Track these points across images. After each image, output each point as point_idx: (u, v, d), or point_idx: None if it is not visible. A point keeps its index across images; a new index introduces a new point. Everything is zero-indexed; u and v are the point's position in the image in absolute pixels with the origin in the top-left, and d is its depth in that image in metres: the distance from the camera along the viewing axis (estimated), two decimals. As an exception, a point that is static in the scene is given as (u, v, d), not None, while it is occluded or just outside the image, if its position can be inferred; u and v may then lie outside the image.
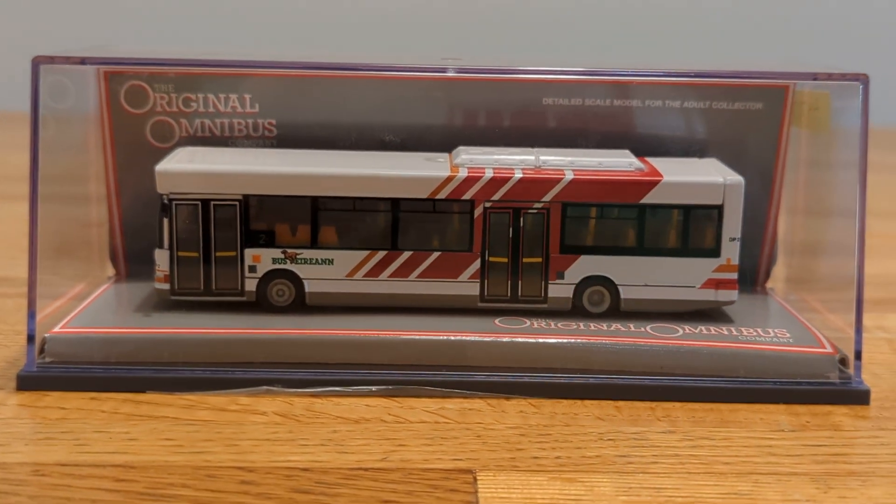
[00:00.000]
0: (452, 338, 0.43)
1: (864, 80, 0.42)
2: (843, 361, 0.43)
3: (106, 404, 0.41)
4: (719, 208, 0.46)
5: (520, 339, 0.43)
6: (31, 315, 0.43)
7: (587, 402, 0.42)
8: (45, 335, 0.43)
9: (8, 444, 0.37)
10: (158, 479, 0.35)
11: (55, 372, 0.42)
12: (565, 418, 0.40)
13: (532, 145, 0.49)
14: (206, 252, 0.46)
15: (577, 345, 0.43)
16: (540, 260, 0.46)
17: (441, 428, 0.39)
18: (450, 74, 0.45)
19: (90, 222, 0.52)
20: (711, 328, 0.45)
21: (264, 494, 0.34)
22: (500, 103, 0.50)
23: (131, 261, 0.51)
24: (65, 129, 0.47)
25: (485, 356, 0.43)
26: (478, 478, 0.35)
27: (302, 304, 0.46)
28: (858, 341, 0.43)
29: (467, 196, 0.45)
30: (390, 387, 0.42)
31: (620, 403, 0.42)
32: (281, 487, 0.35)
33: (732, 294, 0.46)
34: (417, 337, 0.43)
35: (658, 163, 0.47)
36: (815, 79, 0.45)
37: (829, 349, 0.43)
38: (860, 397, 0.42)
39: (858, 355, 0.43)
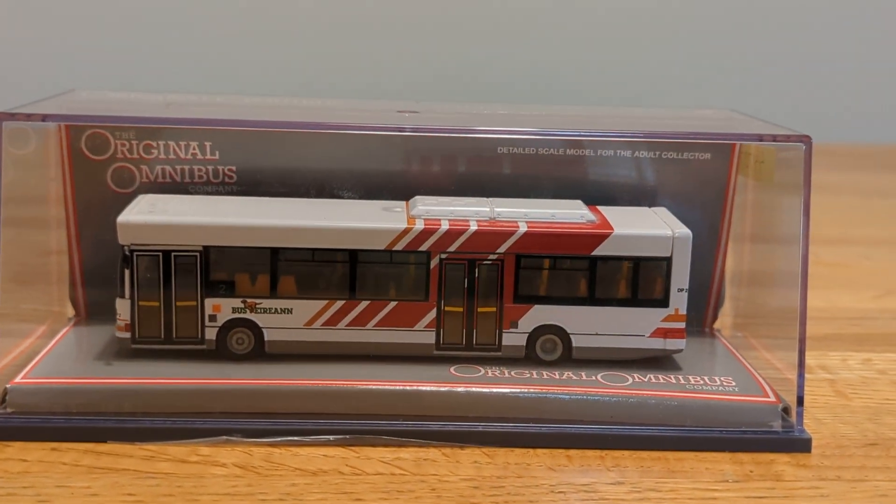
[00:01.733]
0: (408, 387, 0.44)
1: (807, 141, 0.44)
2: (786, 410, 0.44)
3: (67, 455, 0.41)
4: (668, 260, 0.47)
5: (474, 389, 0.44)
6: None
7: (539, 450, 0.43)
8: (7, 386, 0.43)
9: (-30, 502, 0.38)
10: (120, 539, 0.35)
11: (16, 423, 0.42)
12: (518, 469, 0.41)
13: (487, 192, 0.50)
14: (166, 301, 0.46)
15: (529, 394, 0.44)
16: (494, 309, 0.47)
17: (397, 480, 0.40)
18: (406, 134, 0.45)
19: (49, 250, 0.52)
20: (660, 377, 0.46)
21: (224, 554, 0.35)
22: (456, 151, 0.51)
23: (91, 301, 0.52)
24: (24, 166, 0.47)
25: (440, 405, 0.44)
26: (432, 535, 0.36)
27: (261, 353, 0.47)
28: (801, 386, 0.44)
29: (423, 248, 0.46)
30: (347, 436, 0.43)
31: (572, 452, 0.43)
32: (241, 547, 0.35)
33: (680, 343, 0.47)
34: (374, 387, 0.44)
35: (609, 213, 0.48)
36: (760, 140, 0.46)
37: (772, 398, 0.45)
38: (802, 445, 0.44)
39: (801, 401, 0.44)
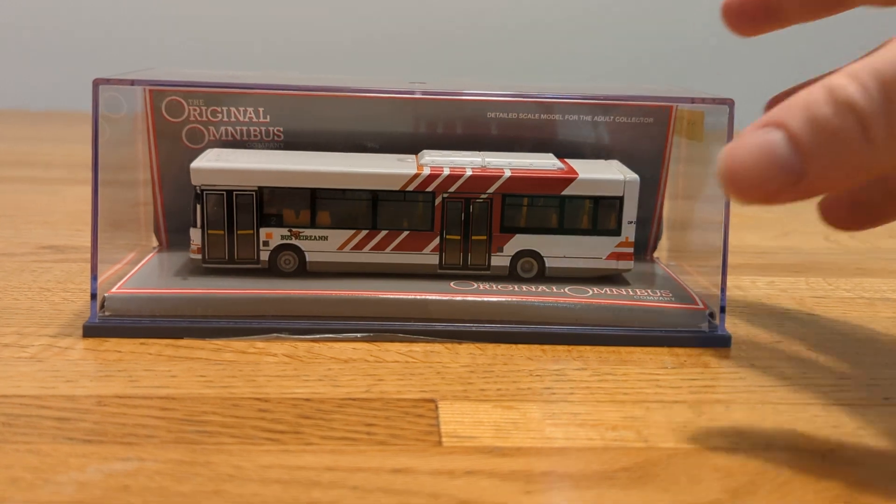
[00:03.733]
0: (418, 297, 0.43)
1: (730, 103, 0.42)
2: (712, 315, 0.43)
3: (152, 348, 0.40)
4: (620, 199, 0.45)
5: (469, 298, 0.43)
6: (94, 277, 0.41)
7: (520, 345, 0.41)
8: (105, 294, 0.42)
9: (76, 381, 0.36)
10: (194, 408, 0.34)
11: (113, 323, 0.41)
12: (504, 359, 0.40)
13: (480, 147, 0.48)
14: (229, 230, 0.44)
15: (512, 302, 0.43)
16: (485, 237, 0.45)
17: (410, 366, 0.39)
18: (416, 95, 0.44)
19: (138, 202, 0.50)
20: (613, 290, 0.45)
21: (277, 419, 0.33)
22: (454, 116, 0.49)
23: (171, 231, 0.50)
24: (118, 131, 0.46)
25: (443, 311, 0.42)
26: (438, 406, 0.35)
27: (304, 271, 0.45)
28: (723, 298, 0.43)
29: (430, 188, 0.44)
30: (371, 334, 0.41)
31: (545, 347, 0.41)
32: (289, 413, 0.34)
33: (629, 264, 0.46)
34: (392, 296, 0.42)
35: (575, 163, 0.47)
36: (692, 102, 0.45)
37: (700, 305, 0.43)
38: (724, 342, 0.42)
39: (723, 309, 0.43)
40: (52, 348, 0.39)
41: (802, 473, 0.31)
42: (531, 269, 0.46)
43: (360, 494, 0.28)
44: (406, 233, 0.45)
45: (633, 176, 0.45)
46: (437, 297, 0.43)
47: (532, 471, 0.30)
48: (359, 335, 0.41)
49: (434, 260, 0.45)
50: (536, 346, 0.42)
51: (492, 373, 0.38)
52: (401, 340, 0.41)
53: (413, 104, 0.48)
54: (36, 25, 1.26)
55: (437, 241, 0.45)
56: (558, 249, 0.46)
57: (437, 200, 0.45)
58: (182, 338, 0.41)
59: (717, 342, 0.42)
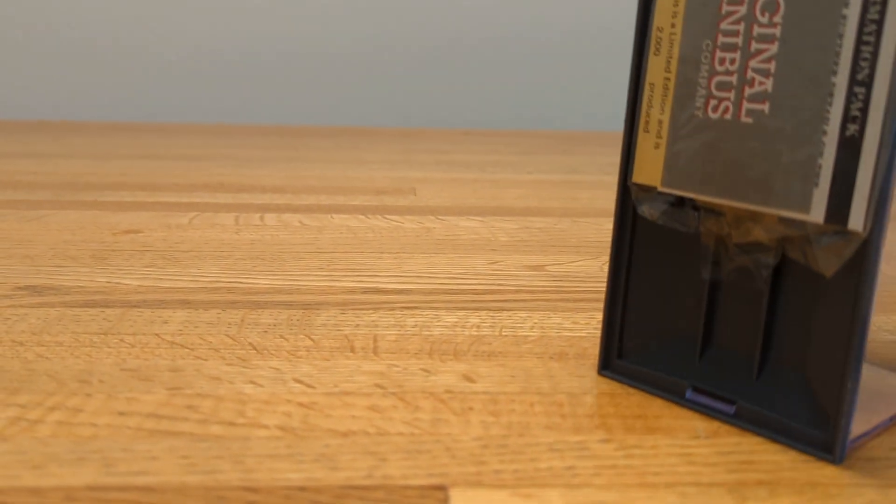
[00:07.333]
0: None
1: None
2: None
3: (131, 420, 0.36)
4: None
5: None
6: None
7: (537, 411, 0.38)
8: None
9: (44, 467, 0.32)
10: (174, 502, 0.30)
11: None
12: (519, 428, 0.36)
13: None
14: None
15: None
16: None
17: (416, 440, 0.35)
18: None
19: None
20: None
21: (266, 516, 0.30)
22: None
23: None
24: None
25: None
26: (449, 495, 0.31)
27: None
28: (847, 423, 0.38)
29: None
30: None
31: (566, 412, 0.38)
32: (281, 508, 0.30)
33: None
34: None
35: None
36: None
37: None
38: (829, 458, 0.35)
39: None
40: (20, 422, 0.36)
41: (865, 582, 0.27)
42: None
43: None
44: None
45: None
46: None
47: (557, 585, 0.26)
48: None
49: None
50: (556, 410, 0.38)
51: (506, 447, 0.35)
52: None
53: None
54: (21, 29, 1.22)
55: None
56: None
57: None
58: None
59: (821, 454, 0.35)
